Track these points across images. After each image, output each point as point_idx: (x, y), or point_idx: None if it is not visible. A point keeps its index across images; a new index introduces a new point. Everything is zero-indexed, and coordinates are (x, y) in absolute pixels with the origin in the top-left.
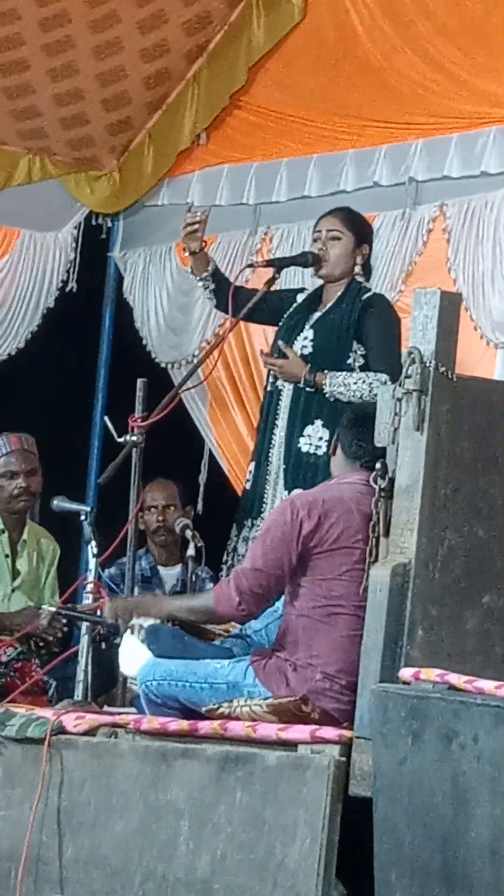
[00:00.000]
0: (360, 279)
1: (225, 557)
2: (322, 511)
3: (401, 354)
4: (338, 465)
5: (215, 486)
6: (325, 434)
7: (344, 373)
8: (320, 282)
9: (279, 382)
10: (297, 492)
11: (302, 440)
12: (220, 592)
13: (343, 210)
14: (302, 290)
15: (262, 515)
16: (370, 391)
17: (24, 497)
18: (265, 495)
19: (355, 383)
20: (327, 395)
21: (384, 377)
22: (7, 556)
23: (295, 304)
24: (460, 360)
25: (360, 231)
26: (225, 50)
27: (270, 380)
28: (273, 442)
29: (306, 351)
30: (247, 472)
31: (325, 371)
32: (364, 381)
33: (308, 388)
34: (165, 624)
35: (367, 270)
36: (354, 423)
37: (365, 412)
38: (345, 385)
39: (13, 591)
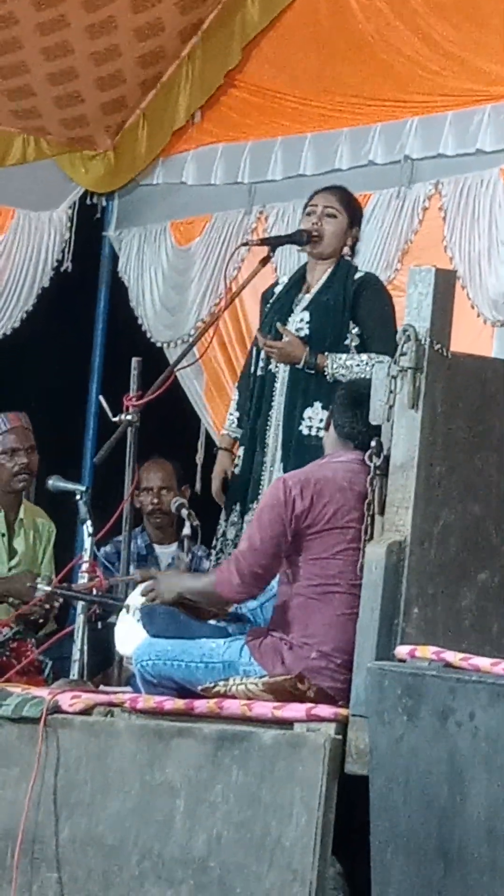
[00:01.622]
0: (347, 258)
1: (214, 542)
2: (315, 490)
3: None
4: (330, 443)
5: (212, 465)
6: (326, 416)
7: (345, 355)
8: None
9: (272, 365)
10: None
11: (302, 423)
12: (221, 575)
13: (340, 188)
14: (274, 285)
15: (258, 499)
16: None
17: (25, 474)
18: (262, 479)
19: (357, 365)
20: (328, 378)
21: (386, 358)
22: (3, 535)
23: (277, 290)
24: (458, 338)
25: (354, 212)
26: (219, 28)
27: (261, 364)
28: (269, 425)
29: (302, 332)
30: (234, 457)
31: (326, 353)
32: (365, 364)
33: (308, 370)
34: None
35: (353, 254)
36: (350, 403)
37: (359, 392)
38: (347, 367)
39: (10, 570)
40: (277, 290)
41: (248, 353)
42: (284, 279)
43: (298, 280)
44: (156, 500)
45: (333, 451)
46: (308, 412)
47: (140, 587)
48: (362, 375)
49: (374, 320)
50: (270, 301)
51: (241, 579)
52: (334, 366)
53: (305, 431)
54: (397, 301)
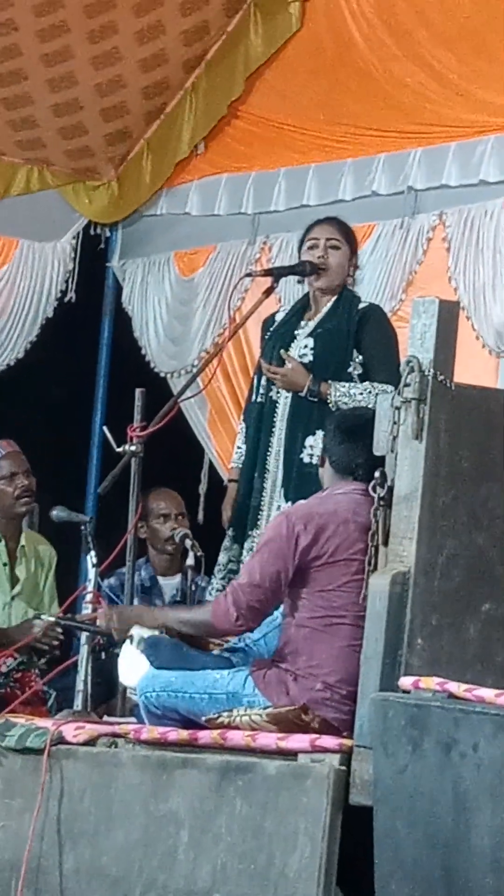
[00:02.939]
0: (350, 288)
1: (216, 570)
2: (318, 524)
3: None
4: (328, 478)
5: (215, 496)
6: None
7: (348, 383)
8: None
9: (274, 392)
10: (293, 504)
11: (304, 451)
12: (218, 607)
13: (336, 219)
14: (275, 313)
15: (257, 526)
16: (375, 403)
17: (27, 496)
18: (261, 507)
19: (360, 394)
20: (331, 405)
21: (389, 388)
22: (5, 564)
23: (279, 317)
24: (462, 369)
25: (353, 242)
26: (223, 59)
27: (262, 391)
28: (270, 452)
29: (306, 359)
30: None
31: (329, 381)
32: (370, 393)
33: (311, 398)
34: (163, 634)
35: (354, 282)
36: (343, 437)
37: (350, 424)
38: (350, 395)
39: (13, 598)
40: (279, 317)
41: (250, 382)
42: (286, 307)
43: (301, 309)
44: (175, 527)
45: (334, 484)
46: (310, 440)
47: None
48: (365, 404)
49: (377, 350)
50: (271, 328)
51: (239, 613)
52: (337, 394)
53: (307, 459)
54: (401, 332)
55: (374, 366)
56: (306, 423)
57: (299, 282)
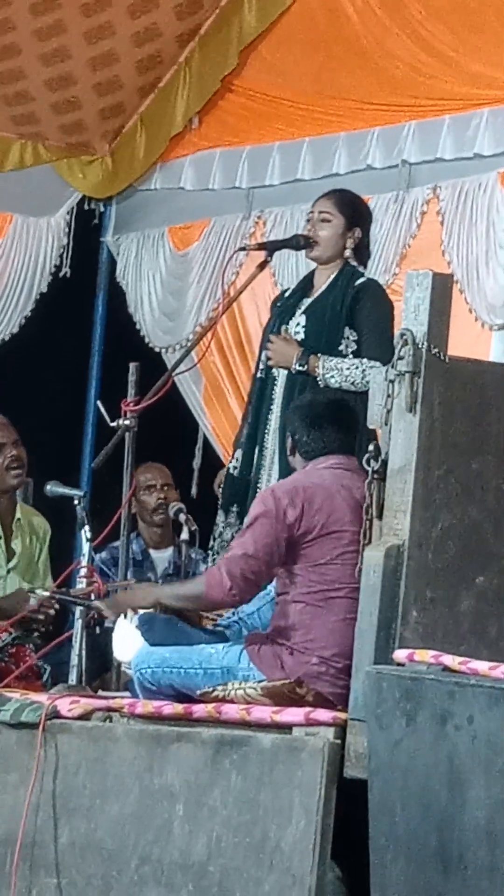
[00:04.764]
0: (353, 263)
1: (211, 543)
2: (304, 498)
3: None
4: (299, 466)
5: (209, 470)
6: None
7: (338, 358)
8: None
9: (274, 370)
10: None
11: None
12: (212, 578)
13: (337, 192)
14: (286, 290)
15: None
16: (363, 378)
17: (18, 466)
18: (259, 481)
19: (348, 368)
20: (319, 380)
21: (378, 364)
22: (0, 537)
23: (287, 293)
24: (455, 342)
25: (352, 213)
26: (216, 33)
27: (261, 367)
28: (268, 428)
29: (299, 336)
30: (231, 458)
31: (319, 354)
32: (358, 368)
33: (300, 367)
34: (157, 611)
35: (362, 254)
36: (309, 427)
37: (314, 412)
38: (338, 370)
39: (8, 572)
40: (287, 294)
41: (245, 356)
42: (293, 284)
43: (305, 285)
44: (162, 496)
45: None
46: None
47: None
48: (353, 379)
49: (369, 325)
50: (278, 304)
51: (233, 583)
52: (325, 367)
53: None
54: (395, 305)
55: (365, 342)
56: None
57: (302, 253)
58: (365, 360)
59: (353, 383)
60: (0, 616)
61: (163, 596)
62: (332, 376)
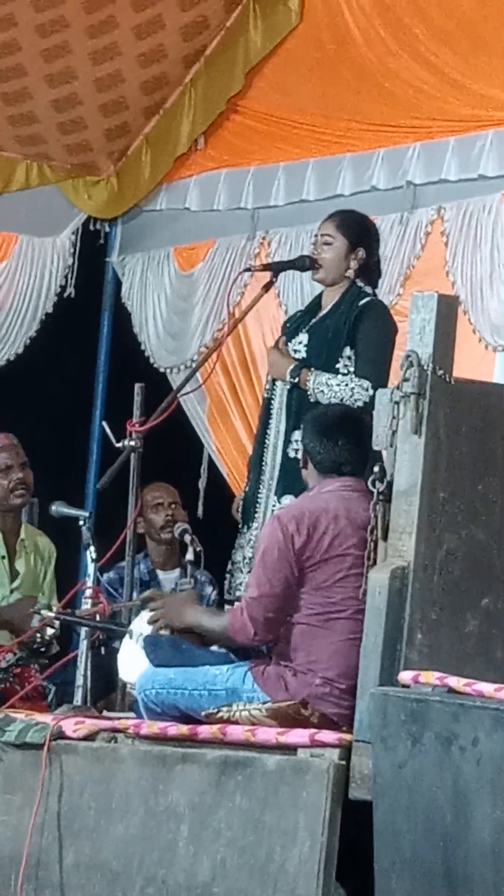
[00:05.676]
0: (360, 283)
1: (229, 567)
2: (310, 523)
3: (389, 363)
4: (313, 479)
5: (215, 491)
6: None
7: (329, 374)
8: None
9: (276, 386)
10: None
11: (290, 446)
12: (235, 621)
13: (340, 214)
14: (298, 311)
15: (255, 519)
16: (351, 395)
17: (22, 489)
18: (258, 500)
19: (337, 385)
20: (309, 395)
21: (367, 384)
22: (4, 557)
23: (298, 314)
24: (459, 363)
25: (355, 235)
26: (222, 54)
27: (267, 385)
28: (266, 446)
29: (300, 354)
30: (246, 477)
31: (312, 369)
32: (346, 385)
33: (292, 380)
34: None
35: (371, 273)
36: (322, 437)
37: (328, 423)
38: (327, 385)
39: (12, 591)
40: (297, 315)
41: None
42: (300, 305)
43: (314, 305)
44: (169, 514)
45: (319, 483)
46: (296, 434)
47: (145, 614)
48: (341, 396)
49: (364, 345)
50: (288, 325)
51: (256, 627)
52: (316, 382)
53: (291, 454)
54: (399, 326)
55: (359, 359)
56: (295, 418)
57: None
58: (355, 378)
59: (340, 400)
60: (4, 626)
61: (195, 624)
62: (322, 391)
